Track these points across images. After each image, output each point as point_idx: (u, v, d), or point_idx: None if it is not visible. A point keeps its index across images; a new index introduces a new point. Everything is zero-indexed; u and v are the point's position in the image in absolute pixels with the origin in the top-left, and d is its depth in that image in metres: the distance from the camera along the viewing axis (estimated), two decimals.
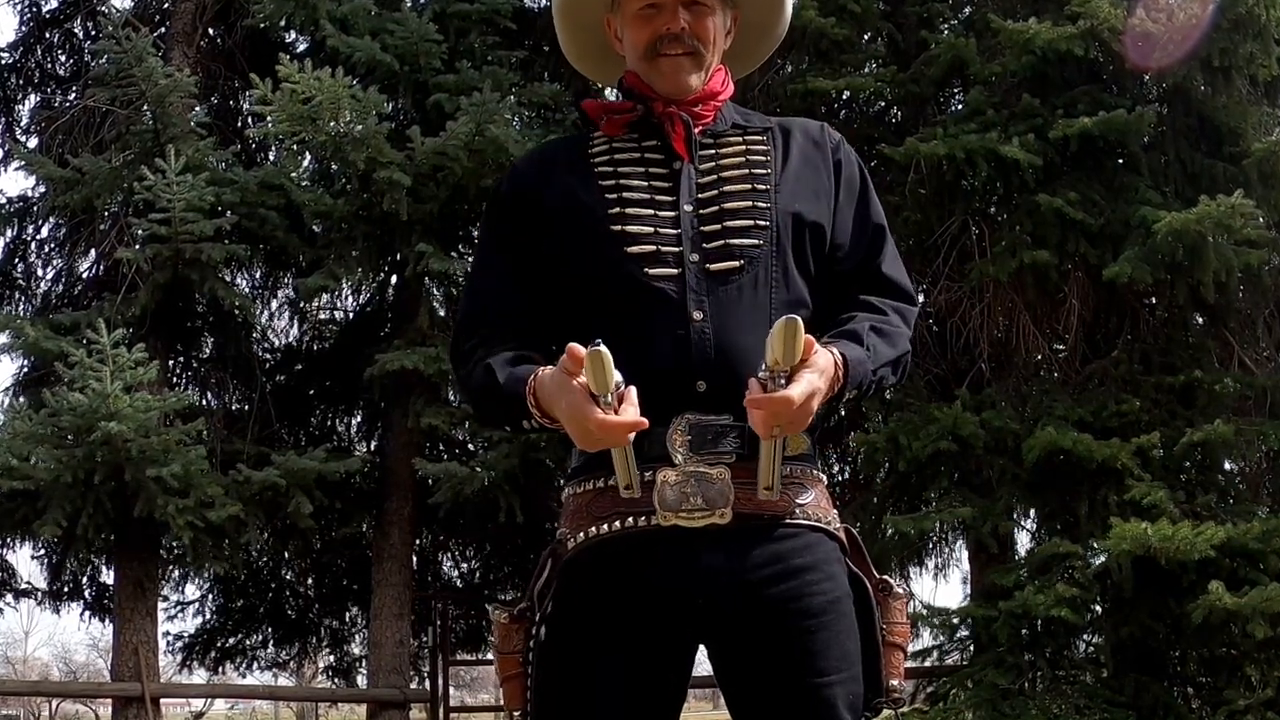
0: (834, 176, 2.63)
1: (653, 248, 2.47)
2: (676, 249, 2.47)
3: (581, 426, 2.24)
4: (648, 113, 2.60)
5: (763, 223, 2.50)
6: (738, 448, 2.39)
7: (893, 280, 2.63)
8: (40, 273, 14.14)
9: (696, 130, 2.58)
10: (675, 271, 2.45)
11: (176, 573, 13.95)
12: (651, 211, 2.50)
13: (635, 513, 2.39)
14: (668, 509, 2.37)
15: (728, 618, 2.39)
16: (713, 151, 2.58)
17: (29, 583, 14.37)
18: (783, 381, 2.21)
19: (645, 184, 2.54)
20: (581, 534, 2.44)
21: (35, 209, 13.41)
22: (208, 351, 13.23)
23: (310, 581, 14.97)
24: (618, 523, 2.41)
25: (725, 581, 2.37)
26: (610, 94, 2.79)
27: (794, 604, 2.38)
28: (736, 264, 2.46)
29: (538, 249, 2.55)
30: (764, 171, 2.56)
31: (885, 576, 2.55)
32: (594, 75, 2.88)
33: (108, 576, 13.65)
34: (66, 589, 14.23)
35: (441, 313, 12.44)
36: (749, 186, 2.53)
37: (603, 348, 2.16)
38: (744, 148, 2.60)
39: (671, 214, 2.50)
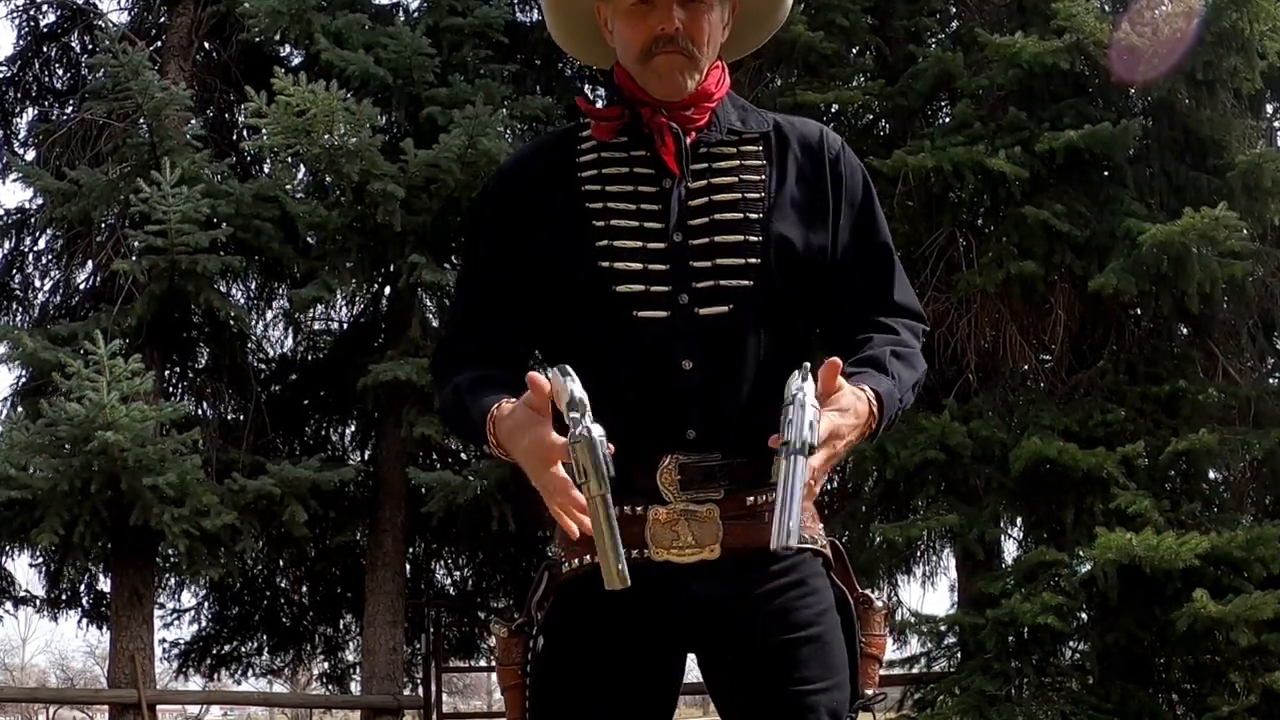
0: (834, 192, 2.52)
1: (641, 287, 2.39)
2: (666, 288, 2.39)
3: (539, 480, 2.27)
4: (636, 119, 2.48)
5: (754, 259, 2.40)
6: (726, 485, 2.38)
7: (903, 305, 2.55)
8: (38, 284, 14.20)
9: (689, 139, 2.46)
10: (664, 315, 2.38)
11: (172, 580, 13.96)
12: (640, 244, 2.41)
13: (628, 545, 2.30)
14: (659, 545, 2.37)
15: (719, 637, 2.42)
16: (705, 167, 2.46)
17: (27, 590, 14.41)
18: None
19: (634, 208, 2.43)
20: (576, 560, 2.43)
21: (33, 221, 13.45)
22: (203, 362, 13.22)
23: (305, 589, 14.97)
24: None
25: (715, 606, 2.39)
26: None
27: (781, 619, 2.40)
28: (726, 309, 2.38)
29: (523, 258, 2.47)
30: (757, 196, 2.45)
31: (866, 591, 2.56)
32: (585, 59, 2.79)
33: (104, 584, 13.67)
34: (64, 596, 14.23)
35: (434, 323, 12.49)
36: (740, 216, 2.42)
37: (591, 435, 2.13)
38: (738, 164, 2.48)
39: (661, 245, 2.41)
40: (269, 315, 14.32)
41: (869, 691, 2.52)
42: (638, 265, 2.39)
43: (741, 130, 2.53)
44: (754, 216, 2.44)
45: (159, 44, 13.45)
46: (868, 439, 2.39)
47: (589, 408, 2.16)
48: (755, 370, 2.41)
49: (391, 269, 11.90)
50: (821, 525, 2.55)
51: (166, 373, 12.75)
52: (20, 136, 14.59)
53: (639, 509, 2.38)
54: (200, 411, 12.98)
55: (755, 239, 2.42)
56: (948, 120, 11.59)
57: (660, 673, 2.46)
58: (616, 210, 2.44)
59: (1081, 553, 10.05)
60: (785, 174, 2.50)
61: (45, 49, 14.65)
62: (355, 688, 14.41)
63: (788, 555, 2.36)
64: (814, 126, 2.59)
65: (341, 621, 15.18)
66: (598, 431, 2.13)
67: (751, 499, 2.40)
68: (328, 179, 11.74)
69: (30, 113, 14.67)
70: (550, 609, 2.48)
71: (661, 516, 2.37)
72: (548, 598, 2.49)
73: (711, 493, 2.38)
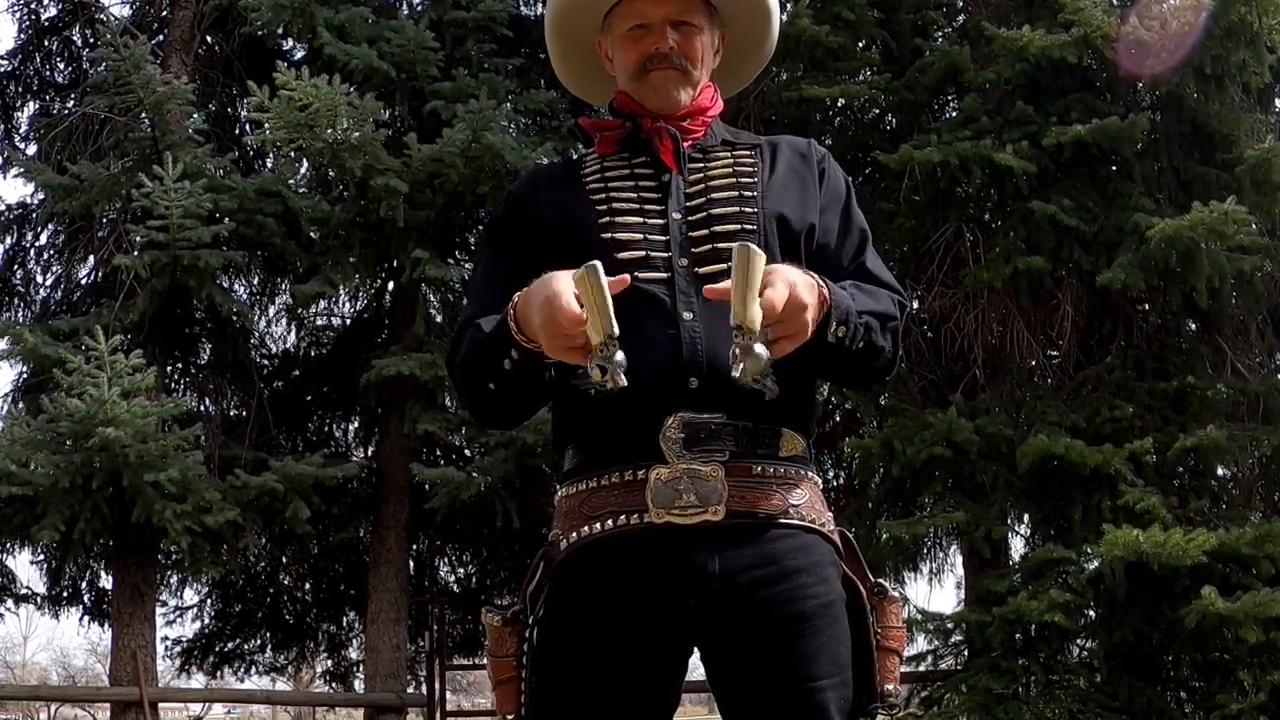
0: (819, 184, 2.66)
1: (642, 253, 2.48)
2: (665, 254, 2.49)
3: (549, 315, 2.24)
4: (636, 128, 2.65)
5: (750, 226, 2.51)
6: (731, 446, 2.40)
7: (877, 275, 2.63)
8: (39, 279, 14.18)
9: (686, 145, 2.62)
10: (664, 275, 2.47)
11: (174, 578, 13.93)
12: (640, 219, 2.53)
13: (628, 510, 2.39)
14: (660, 506, 2.37)
15: (720, 620, 2.38)
16: (701, 164, 2.62)
17: (28, 588, 14.39)
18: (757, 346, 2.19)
19: (634, 194, 2.57)
20: (574, 534, 2.44)
21: (34, 216, 13.41)
22: (205, 358, 13.20)
23: (307, 586, 14.97)
24: (610, 521, 2.40)
25: (718, 583, 2.36)
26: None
27: (786, 607, 2.37)
28: (724, 267, 2.39)
29: (533, 258, 2.51)
30: (751, 180, 2.59)
31: (880, 580, 2.54)
32: (587, 96, 2.92)
33: (106, 581, 13.66)
34: (65, 594, 14.22)
35: (438, 319, 12.49)
36: (736, 194, 2.56)
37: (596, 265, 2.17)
38: (731, 160, 2.63)
39: (660, 222, 2.53)
40: (271, 311, 14.32)
41: (889, 687, 2.50)
42: (639, 236, 2.52)
43: (734, 141, 2.71)
44: (749, 195, 2.58)
45: (161, 38, 13.46)
46: (821, 328, 2.35)
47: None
48: None
49: (394, 264, 11.87)
50: (830, 514, 2.55)
51: (168, 369, 12.71)
52: (21, 131, 14.57)
53: (640, 473, 2.40)
54: (202, 408, 12.96)
55: (751, 211, 2.55)
56: (954, 115, 11.55)
57: (663, 662, 2.44)
58: (618, 197, 2.59)
59: (1089, 550, 10.04)
60: (777, 168, 2.65)
61: (46, 43, 14.64)
62: (358, 685, 14.38)
63: (794, 533, 2.42)
64: (800, 139, 2.78)
65: (344, 619, 15.18)
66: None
67: (759, 469, 2.43)
68: (330, 174, 11.71)
69: (31, 107, 14.67)
70: (548, 593, 2.48)
71: (663, 475, 2.39)
72: (544, 584, 2.49)
73: (716, 453, 2.40)
